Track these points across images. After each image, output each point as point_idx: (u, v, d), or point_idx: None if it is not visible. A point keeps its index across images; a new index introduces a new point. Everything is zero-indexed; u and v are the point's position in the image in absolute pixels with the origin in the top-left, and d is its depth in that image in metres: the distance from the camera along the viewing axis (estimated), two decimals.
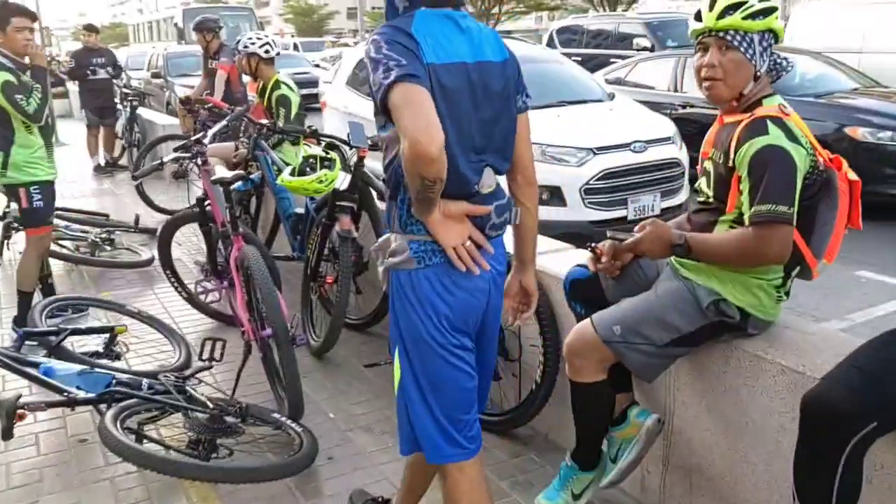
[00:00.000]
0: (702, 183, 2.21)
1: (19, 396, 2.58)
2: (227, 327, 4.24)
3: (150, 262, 5.50)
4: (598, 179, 5.29)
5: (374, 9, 70.33)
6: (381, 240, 1.94)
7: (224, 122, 4.27)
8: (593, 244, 2.36)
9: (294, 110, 5.22)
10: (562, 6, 38.88)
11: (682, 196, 5.76)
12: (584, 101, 6.32)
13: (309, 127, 3.92)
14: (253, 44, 5.28)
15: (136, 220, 6.27)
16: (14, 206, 6.00)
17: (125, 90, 10.05)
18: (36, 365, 3.02)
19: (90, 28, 9.84)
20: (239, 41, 7.18)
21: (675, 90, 8.31)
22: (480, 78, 1.79)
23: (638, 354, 2.13)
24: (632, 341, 2.12)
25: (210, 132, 3.98)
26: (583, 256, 3.06)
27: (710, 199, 2.16)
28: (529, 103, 1.99)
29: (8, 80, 3.87)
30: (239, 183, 4.18)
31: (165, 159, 3.83)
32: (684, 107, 7.91)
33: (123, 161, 9.91)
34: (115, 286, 5.23)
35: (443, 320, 1.84)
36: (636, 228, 2.19)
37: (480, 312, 1.92)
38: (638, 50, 11.94)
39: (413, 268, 1.83)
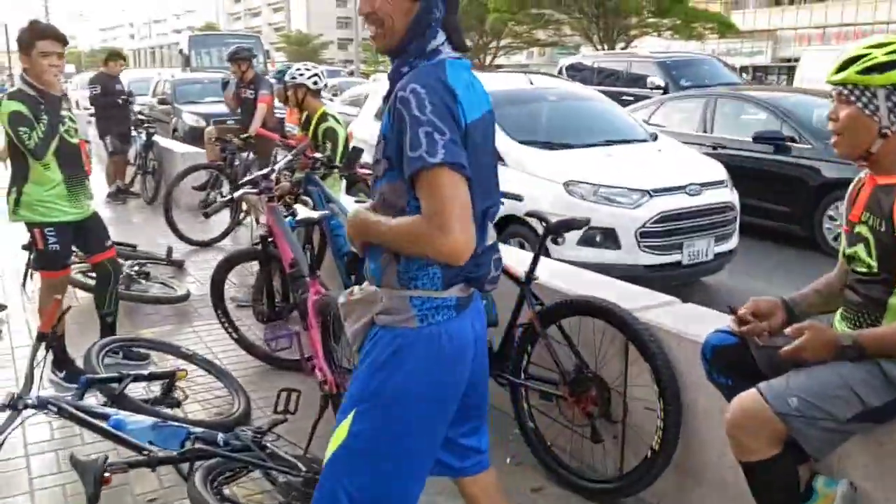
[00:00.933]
0: (858, 251, 2.04)
1: (106, 459, 2.34)
2: (285, 374, 4.02)
3: (186, 297, 5.27)
4: (654, 222, 5.14)
5: (367, 40, 70.82)
6: (358, 294, 1.83)
7: (290, 157, 4.09)
8: (732, 306, 2.18)
9: (341, 144, 5.07)
10: (559, 43, 39.20)
11: (734, 241, 5.63)
12: (629, 141, 6.21)
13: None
14: (301, 75, 5.15)
15: (169, 253, 6.04)
16: None
17: (141, 117, 9.85)
18: (105, 417, 2.78)
19: (118, 55, 9.72)
20: (281, 72, 7.06)
21: (705, 131, 8.25)
22: (489, 128, 1.81)
23: (817, 431, 1.93)
24: (811, 416, 1.93)
25: (276, 167, 3.79)
26: (695, 311, 2.92)
27: (875, 270, 1.99)
28: None
29: (17, 110, 3.57)
30: (289, 219, 3.99)
31: (236, 195, 3.63)
32: (715, 148, 7.83)
33: (136, 188, 9.69)
34: (151, 322, 4.99)
35: (443, 387, 1.78)
36: (789, 331, 2.02)
37: (468, 372, 1.85)
38: (651, 89, 11.96)
39: (415, 326, 1.73)
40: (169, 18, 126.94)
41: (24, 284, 5.76)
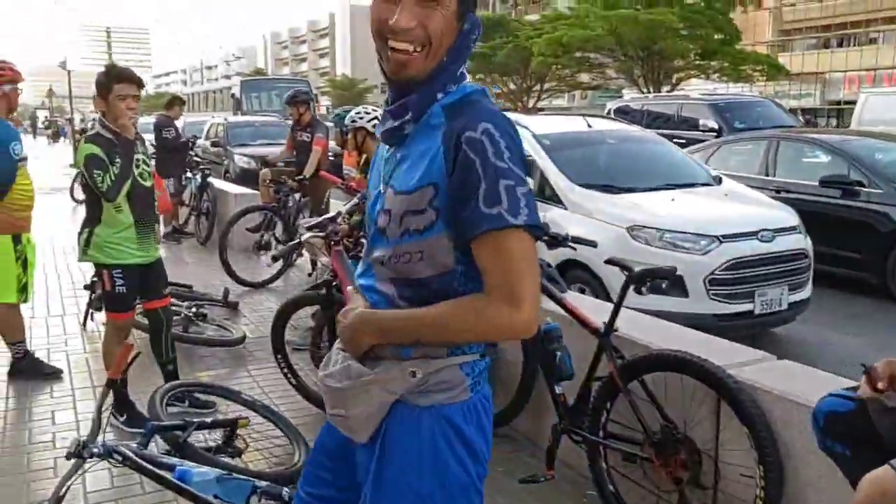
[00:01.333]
0: None
1: None
2: None
3: (242, 340, 5.21)
4: (724, 269, 4.95)
5: None
6: (370, 375, 1.47)
7: (355, 201, 4.03)
8: (867, 364, 2.00)
9: None
10: (602, 86, 39.26)
11: (808, 290, 5.39)
12: (693, 185, 6.05)
13: None
14: (361, 118, 5.13)
15: (226, 294, 6.02)
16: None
17: (196, 158, 10.03)
18: (170, 468, 2.69)
19: (180, 100, 10.02)
20: (339, 116, 7.09)
21: (767, 175, 8.03)
22: None
23: None
24: None
25: (343, 210, 3.73)
26: (793, 369, 2.73)
27: None
28: None
29: (93, 153, 3.61)
30: (351, 261, 3.92)
31: (303, 238, 3.57)
32: (778, 192, 7.60)
33: (190, 228, 9.81)
34: (208, 365, 4.94)
35: (485, 455, 1.53)
36: None
37: None
38: (704, 131, 11.77)
39: (468, 398, 1.48)
40: (220, 65, 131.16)
41: (84, 324, 5.81)
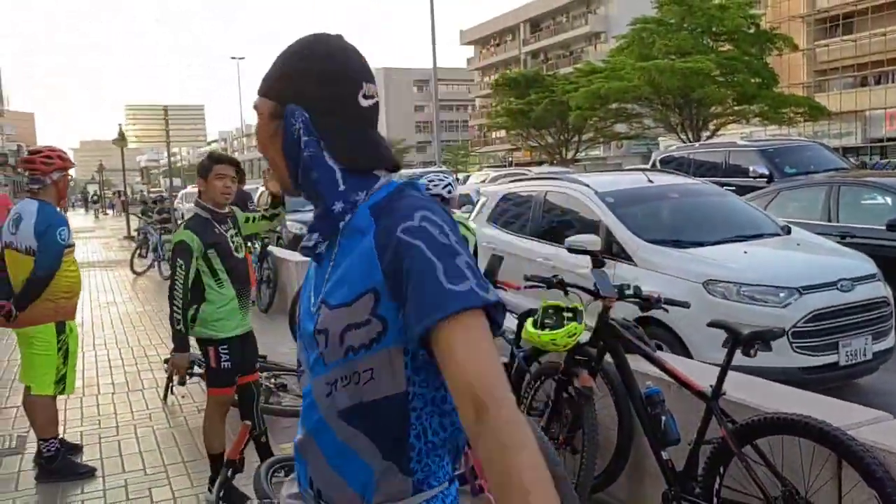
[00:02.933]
0: None
1: None
2: None
3: None
4: (807, 321, 4.88)
5: (445, 142, 73.37)
6: None
7: None
8: None
9: (471, 250, 5.08)
10: (641, 135, 39.41)
11: (891, 338, 5.28)
12: (761, 235, 6.02)
13: (555, 276, 3.70)
14: (436, 185, 5.22)
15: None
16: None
17: None
18: None
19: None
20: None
21: (829, 220, 7.94)
22: None
23: None
24: None
25: None
26: None
27: None
28: None
29: (181, 241, 3.79)
30: None
31: None
32: (843, 237, 7.50)
33: (252, 297, 9.96)
34: (289, 436, 4.97)
35: None
36: None
37: None
38: (755, 178, 11.70)
39: None
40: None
41: (164, 398, 5.92)
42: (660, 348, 5.10)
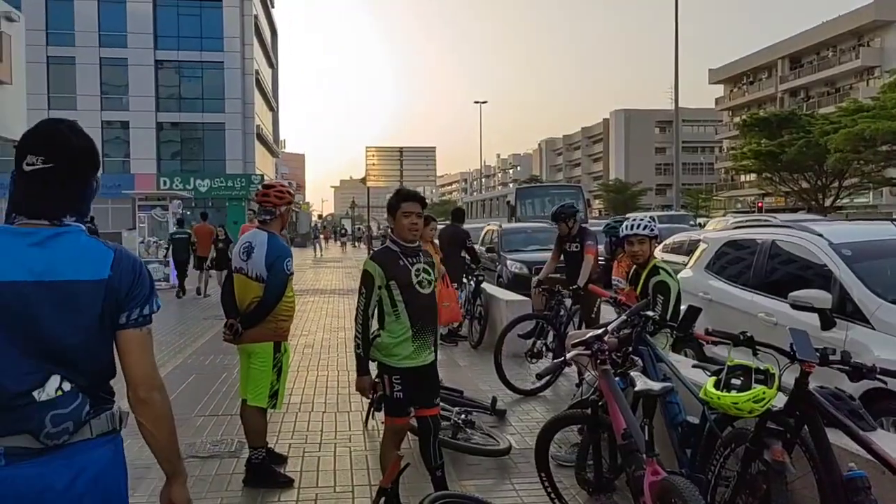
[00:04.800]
0: None
1: None
2: None
3: (508, 451, 5.21)
4: None
5: (686, 185, 70.26)
6: None
7: (624, 317, 3.91)
8: None
9: (673, 299, 4.76)
10: None
11: None
12: None
13: (742, 333, 3.36)
14: (632, 227, 5.00)
15: (494, 403, 6.12)
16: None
17: (471, 265, 10.54)
18: None
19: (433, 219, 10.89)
20: (609, 225, 7.07)
21: None
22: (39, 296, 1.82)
23: None
24: None
25: (610, 327, 3.62)
26: None
27: None
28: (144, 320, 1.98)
29: (366, 271, 4.03)
30: (617, 379, 3.73)
31: (569, 356, 3.52)
32: None
33: (463, 332, 10.21)
34: (473, 473, 4.98)
35: None
36: None
37: None
38: None
39: None
40: (498, 173, 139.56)
41: (366, 423, 6.22)
42: None
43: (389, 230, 4.23)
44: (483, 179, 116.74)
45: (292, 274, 4.88)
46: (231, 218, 38.09)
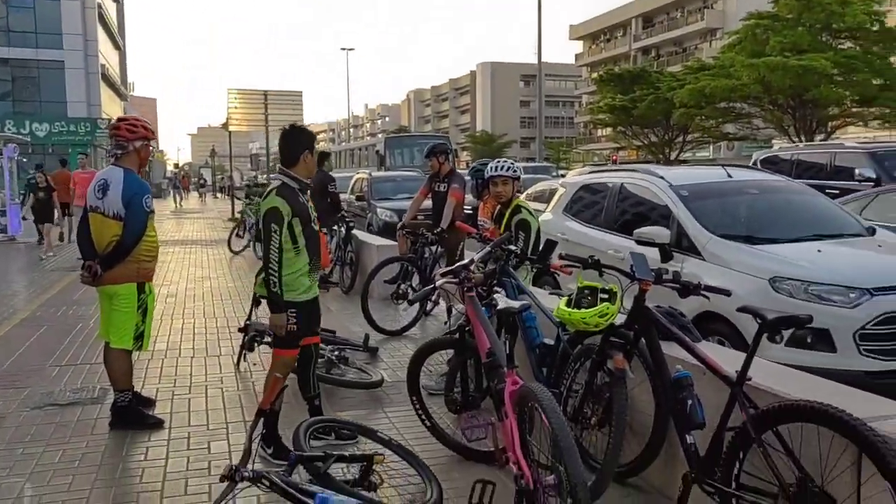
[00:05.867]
0: None
1: None
2: (475, 465, 4.01)
3: (380, 383, 5.46)
4: (877, 324, 4.65)
5: (549, 138, 72.73)
6: None
7: (488, 249, 4.20)
8: None
9: (533, 236, 5.13)
10: (750, 137, 37.82)
11: None
12: (842, 235, 5.76)
13: (591, 257, 3.73)
14: (496, 169, 5.31)
15: (366, 340, 6.33)
16: (255, 316, 6.32)
17: (344, 213, 10.60)
18: (311, 494, 2.88)
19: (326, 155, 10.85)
20: (475, 168, 7.36)
21: None
22: None
23: None
24: None
25: (476, 258, 3.90)
26: None
27: None
28: None
29: (274, 206, 4.02)
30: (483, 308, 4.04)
31: (438, 283, 3.77)
32: None
33: (334, 278, 10.32)
34: (347, 405, 5.20)
35: None
36: None
37: None
38: (860, 181, 11.08)
39: None
40: (366, 123, 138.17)
41: (237, 364, 6.27)
42: (722, 344, 5.00)
43: (279, 168, 4.22)
44: (351, 129, 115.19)
45: (153, 212, 4.79)
46: (76, 166, 35.55)
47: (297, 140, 4.18)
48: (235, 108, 15.73)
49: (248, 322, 6.13)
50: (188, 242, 17.82)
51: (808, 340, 4.76)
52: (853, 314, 4.70)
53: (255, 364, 6.29)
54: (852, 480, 2.51)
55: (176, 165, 76.18)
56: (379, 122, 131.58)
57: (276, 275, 3.99)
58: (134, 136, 4.70)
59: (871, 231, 5.92)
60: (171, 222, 25.21)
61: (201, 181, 55.32)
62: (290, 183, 4.13)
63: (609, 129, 50.65)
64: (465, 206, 8.47)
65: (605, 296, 3.47)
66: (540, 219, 8.23)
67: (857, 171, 11.38)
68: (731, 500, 2.87)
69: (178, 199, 40.46)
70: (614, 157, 48.74)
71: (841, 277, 4.85)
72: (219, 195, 53.10)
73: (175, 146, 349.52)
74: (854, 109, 30.02)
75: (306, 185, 4.21)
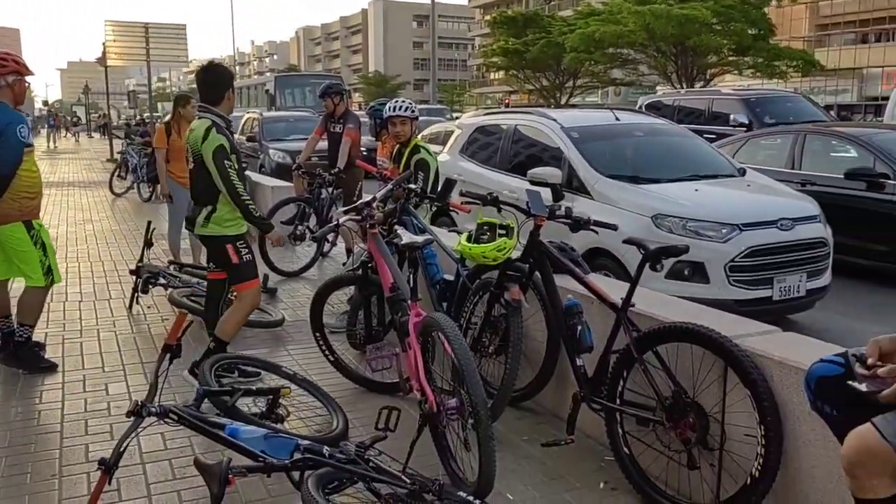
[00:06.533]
0: None
1: (230, 461, 2.50)
2: (378, 396, 4.17)
3: (281, 322, 5.51)
4: (744, 257, 5.10)
5: (442, 81, 72.51)
6: None
7: (390, 187, 4.28)
8: (858, 353, 2.11)
9: (432, 175, 5.25)
10: (636, 82, 39.11)
11: (826, 278, 5.52)
12: (716, 176, 6.20)
13: (489, 194, 3.88)
14: (394, 109, 5.35)
15: (265, 280, 6.31)
16: (147, 258, 6.16)
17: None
18: (221, 426, 2.95)
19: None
20: (373, 107, 7.33)
21: (793, 168, 8.11)
22: None
23: None
24: None
25: (378, 195, 3.98)
26: (795, 339, 2.91)
27: None
28: None
29: (222, 145, 4.05)
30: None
31: (341, 220, 3.83)
32: (804, 185, 7.68)
33: None
34: (250, 345, 5.22)
35: None
36: (882, 372, 1.95)
37: None
38: (734, 126, 11.82)
39: None
40: (254, 61, 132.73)
41: (130, 307, 6.13)
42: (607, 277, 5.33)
43: (203, 107, 4.19)
44: (237, 67, 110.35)
45: (31, 145, 4.54)
46: None
47: (220, 78, 4.26)
48: (113, 41, 14.77)
49: (139, 264, 5.98)
50: (65, 184, 16.87)
51: (686, 273, 5.16)
52: (725, 248, 5.13)
53: (149, 307, 6.17)
54: (719, 391, 2.83)
55: (45, 103, 70.81)
56: (267, 60, 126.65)
57: (251, 201, 4.17)
58: (5, 70, 4.41)
59: (742, 172, 6.40)
60: (44, 163, 23.65)
61: (74, 119, 51.82)
62: (218, 121, 4.14)
63: (502, 73, 51.03)
64: (361, 148, 8.45)
65: (503, 231, 3.65)
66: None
67: (731, 117, 12.11)
68: (614, 415, 3.16)
69: (53, 138, 37.86)
70: (507, 101, 49.22)
71: (714, 214, 5.26)
72: (94, 135, 49.96)
73: (43, 82, 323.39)
74: (731, 58, 31.58)
75: (229, 122, 4.26)
